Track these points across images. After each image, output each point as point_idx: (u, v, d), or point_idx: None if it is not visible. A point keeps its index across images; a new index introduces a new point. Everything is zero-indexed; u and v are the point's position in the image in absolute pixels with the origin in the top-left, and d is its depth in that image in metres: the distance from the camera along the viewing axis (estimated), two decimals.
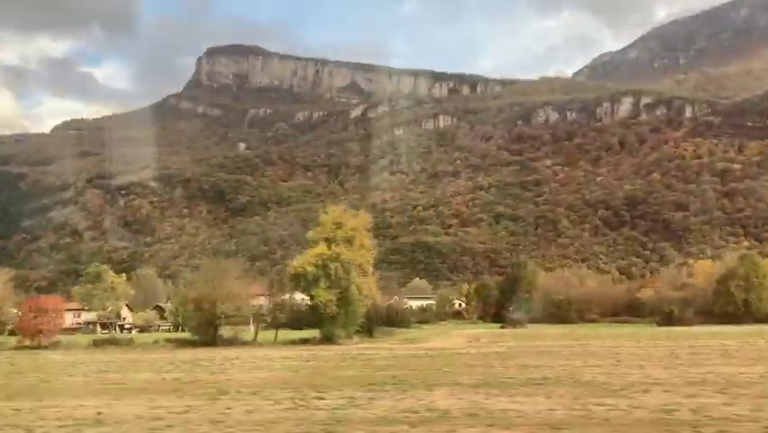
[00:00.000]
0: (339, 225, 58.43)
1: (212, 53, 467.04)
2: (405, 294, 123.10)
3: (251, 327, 61.93)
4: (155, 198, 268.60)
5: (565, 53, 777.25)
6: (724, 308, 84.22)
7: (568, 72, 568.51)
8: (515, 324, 79.84)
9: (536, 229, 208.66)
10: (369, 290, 57.11)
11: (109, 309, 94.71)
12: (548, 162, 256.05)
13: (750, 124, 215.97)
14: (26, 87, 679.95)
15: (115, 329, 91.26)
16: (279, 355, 41.81)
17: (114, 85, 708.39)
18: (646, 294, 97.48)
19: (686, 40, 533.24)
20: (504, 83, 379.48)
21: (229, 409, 19.02)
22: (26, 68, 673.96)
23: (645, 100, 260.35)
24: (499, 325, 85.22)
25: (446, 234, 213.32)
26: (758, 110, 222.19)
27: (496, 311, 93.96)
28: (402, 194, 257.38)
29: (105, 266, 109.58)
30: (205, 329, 56.26)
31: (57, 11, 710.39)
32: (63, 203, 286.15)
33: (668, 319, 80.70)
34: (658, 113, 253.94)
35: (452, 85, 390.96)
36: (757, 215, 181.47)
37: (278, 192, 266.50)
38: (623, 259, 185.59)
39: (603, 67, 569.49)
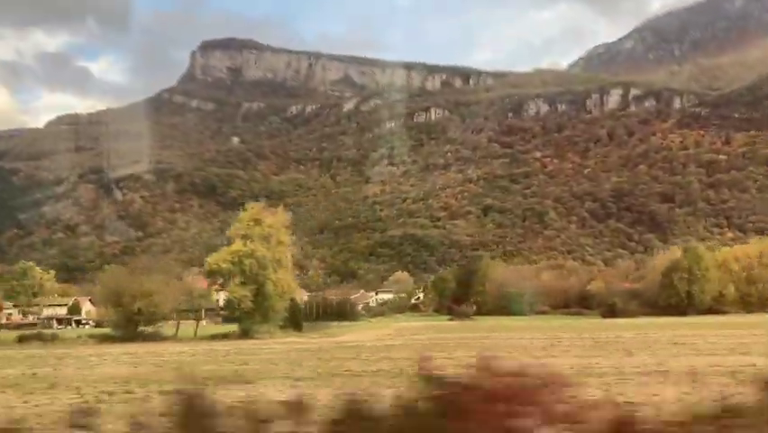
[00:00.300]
0: (257, 223, 59.91)
1: (205, 47, 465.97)
2: (386, 287, 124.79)
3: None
4: (147, 193, 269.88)
5: (561, 45, 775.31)
6: (668, 300, 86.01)
7: (563, 64, 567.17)
8: (461, 316, 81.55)
9: (524, 221, 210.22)
10: (287, 285, 58.72)
11: (35, 306, 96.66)
12: (538, 155, 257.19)
13: (737, 116, 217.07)
14: (23, 82, 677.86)
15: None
16: (175, 351, 42.29)
17: (110, 79, 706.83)
18: (595, 286, 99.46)
19: (681, 30, 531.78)
20: (496, 75, 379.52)
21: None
22: (22, 63, 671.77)
23: (634, 92, 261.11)
24: (448, 317, 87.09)
25: (435, 226, 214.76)
26: (745, 101, 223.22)
27: (451, 304, 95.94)
28: (393, 187, 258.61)
29: (32, 263, 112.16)
30: (125, 325, 57.15)
31: (52, 5, 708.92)
32: (56, 198, 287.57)
33: (612, 311, 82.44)
34: (647, 104, 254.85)
35: (444, 77, 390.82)
36: (741, 206, 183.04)
37: (269, 186, 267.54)
38: (608, 251, 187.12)
39: (598, 58, 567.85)
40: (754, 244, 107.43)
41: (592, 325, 64.11)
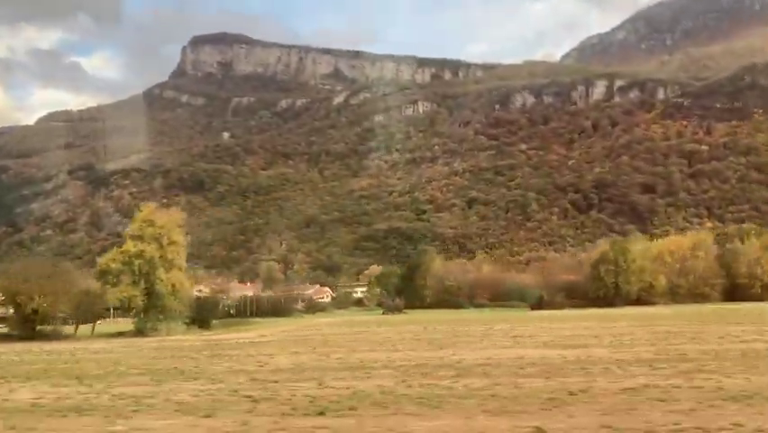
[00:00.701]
0: (150, 223, 61.52)
1: (196, 42, 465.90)
2: (362, 281, 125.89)
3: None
4: (135, 189, 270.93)
5: (555, 37, 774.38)
6: (596, 291, 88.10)
7: (557, 56, 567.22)
8: (393, 310, 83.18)
9: (507, 213, 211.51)
10: (180, 284, 60.34)
11: None
12: (523, 147, 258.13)
13: (719, 106, 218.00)
14: (15, 78, 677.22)
15: None
16: (45, 349, 42.56)
17: (104, 75, 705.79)
18: (528, 279, 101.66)
19: (673, 20, 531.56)
20: (485, 68, 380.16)
21: None
22: (14, 59, 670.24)
23: (619, 83, 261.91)
24: (382, 311, 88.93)
25: (419, 219, 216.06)
26: (726, 91, 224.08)
27: (383, 299, 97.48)
28: (380, 180, 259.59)
29: None
30: (22, 324, 58.02)
31: (44, 1, 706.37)
32: (45, 195, 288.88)
33: (539, 304, 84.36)
34: (632, 95, 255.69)
35: (434, 70, 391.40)
36: (721, 196, 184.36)
37: (257, 181, 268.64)
38: (589, 241, 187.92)
39: (591, 49, 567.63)
40: (689, 236, 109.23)
41: (499, 317, 65.51)
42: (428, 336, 40.78)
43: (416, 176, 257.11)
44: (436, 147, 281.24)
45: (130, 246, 60.21)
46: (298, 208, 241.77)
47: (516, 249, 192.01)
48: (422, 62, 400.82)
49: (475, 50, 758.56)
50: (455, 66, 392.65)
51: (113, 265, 59.18)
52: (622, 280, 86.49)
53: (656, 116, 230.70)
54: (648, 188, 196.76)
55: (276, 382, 19.97)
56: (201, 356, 31.81)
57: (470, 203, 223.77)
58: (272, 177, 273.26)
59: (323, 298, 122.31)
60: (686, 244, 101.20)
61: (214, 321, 67.55)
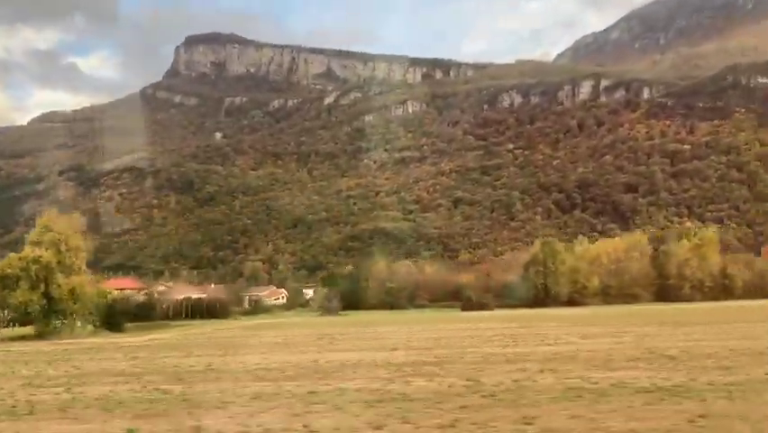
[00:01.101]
0: (48, 229, 63.62)
1: (190, 42, 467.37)
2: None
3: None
4: (125, 190, 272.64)
5: (552, 35, 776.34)
6: (527, 293, 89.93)
7: (553, 54, 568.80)
8: (330, 312, 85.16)
9: (492, 213, 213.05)
10: (80, 287, 62.05)
11: None
12: (510, 146, 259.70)
13: (701, 105, 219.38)
14: (13, 79, 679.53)
15: None
16: None
17: (101, 75, 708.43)
18: (464, 280, 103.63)
19: (667, 19, 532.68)
20: (477, 67, 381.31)
21: None
22: (12, 60, 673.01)
23: (605, 83, 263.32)
24: (318, 313, 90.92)
25: (405, 219, 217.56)
26: (709, 91, 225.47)
27: (323, 302, 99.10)
28: (368, 180, 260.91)
29: None
30: None
31: (40, 1, 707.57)
32: (37, 195, 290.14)
33: (469, 304, 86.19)
34: (617, 95, 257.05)
35: (425, 70, 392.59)
36: (702, 195, 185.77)
37: (246, 181, 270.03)
38: (570, 241, 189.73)
39: (586, 48, 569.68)
40: (624, 238, 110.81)
41: (420, 318, 67.23)
42: (309, 339, 42.37)
43: (404, 176, 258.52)
44: (425, 147, 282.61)
45: (28, 252, 62.09)
46: (286, 209, 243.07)
47: (499, 249, 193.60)
48: (414, 62, 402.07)
49: (472, 49, 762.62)
50: (447, 65, 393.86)
51: (9, 271, 60.78)
52: (551, 282, 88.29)
53: (641, 116, 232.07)
54: (631, 188, 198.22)
55: (44, 388, 21.03)
56: (39, 360, 32.91)
57: (456, 203, 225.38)
58: (261, 177, 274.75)
59: (278, 299, 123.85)
60: (621, 246, 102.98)
61: (128, 324, 68.52)
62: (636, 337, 33.52)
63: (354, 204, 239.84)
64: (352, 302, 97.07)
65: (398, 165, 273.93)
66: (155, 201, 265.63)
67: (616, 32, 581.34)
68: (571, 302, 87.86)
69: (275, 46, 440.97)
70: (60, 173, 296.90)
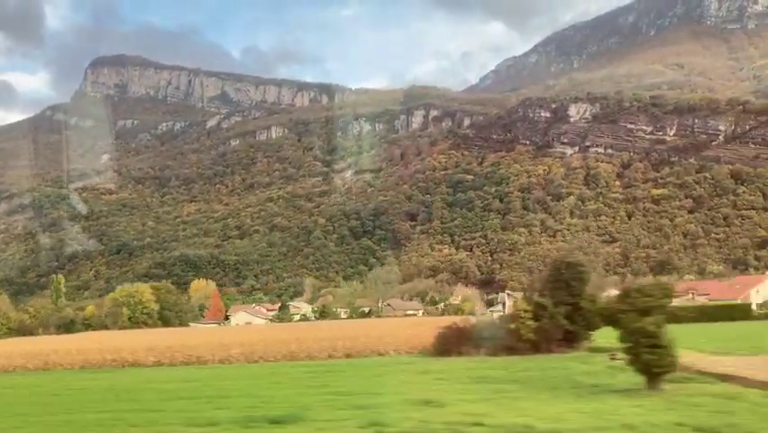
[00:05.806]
0: None
1: (95, 64, 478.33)
2: None
3: None
4: None
5: (481, 59, 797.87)
6: None
7: (474, 79, 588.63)
8: None
9: (296, 239, 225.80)
10: None
11: None
12: (348, 174, 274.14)
13: (495, 137, 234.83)
14: None
15: None
16: None
17: (33, 94, 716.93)
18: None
19: (580, 44, 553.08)
20: (359, 92, 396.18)
21: None
22: None
23: (434, 113, 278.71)
24: None
25: (215, 246, 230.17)
26: (502, 123, 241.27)
27: None
28: (209, 206, 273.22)
29: None
30: None
31: None
32: None
33: None
34: (443, 125, 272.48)
35: (312, 95, 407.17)
36: (463, 224, 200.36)
37: (95, 208, 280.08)
38: (351, 267, 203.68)
39: (507, 71, 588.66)
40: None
41: None
42: None
43: (243, 202, 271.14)
44: (276, 173, 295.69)
45: None
46: (122, 234, 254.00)
47: (285, 274, 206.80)
48: (302, 86, 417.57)
49: (419, 71, 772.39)
50: (332, 90, 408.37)
51: None
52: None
53: (449, 146, 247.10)
54: (412, 217, 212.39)
55: None
56: None
57: (272, 229, 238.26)
58: (110, 202, 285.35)
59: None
60: None
61: None
62: None
63: (183, 230, 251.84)
64: None
65: (246, 191, 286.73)
66: (3, 226, 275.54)
67: (534, 56, 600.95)
68: None
69: (173, 68, 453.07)
70: None
